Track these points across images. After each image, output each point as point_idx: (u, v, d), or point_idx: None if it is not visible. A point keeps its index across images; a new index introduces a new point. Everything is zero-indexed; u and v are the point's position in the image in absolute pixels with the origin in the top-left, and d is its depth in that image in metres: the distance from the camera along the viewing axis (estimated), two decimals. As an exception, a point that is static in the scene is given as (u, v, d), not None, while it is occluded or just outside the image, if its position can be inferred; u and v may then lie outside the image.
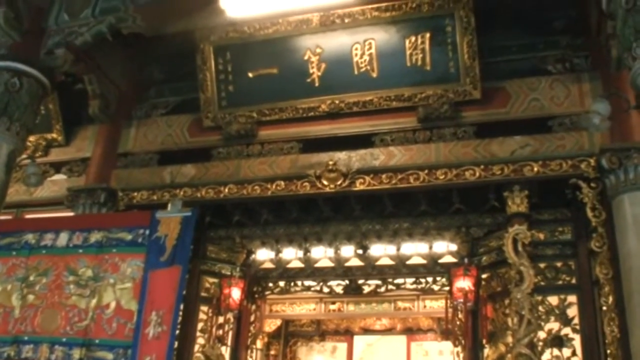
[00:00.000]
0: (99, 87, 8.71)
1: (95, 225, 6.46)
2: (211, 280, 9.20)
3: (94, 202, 8.40)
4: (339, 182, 7.83)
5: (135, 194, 8.59)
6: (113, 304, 5.95)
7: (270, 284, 10.25)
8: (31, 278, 6.33)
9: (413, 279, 9.84)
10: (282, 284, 10.23)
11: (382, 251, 9.26)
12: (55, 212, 8.59)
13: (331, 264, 9.61)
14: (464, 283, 8.08)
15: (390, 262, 9.37)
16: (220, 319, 9.10)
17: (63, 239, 6.43)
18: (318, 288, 10.32)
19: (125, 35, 7.74)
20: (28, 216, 8.81)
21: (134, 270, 5.98)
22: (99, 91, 8.74)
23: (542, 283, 7.50)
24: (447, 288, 8.84)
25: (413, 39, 7.86)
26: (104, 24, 7.39)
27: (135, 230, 6.15)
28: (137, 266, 5.97)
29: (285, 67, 8.30)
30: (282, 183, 8.08)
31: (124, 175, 8.85)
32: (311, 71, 8.21)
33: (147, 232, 6.07)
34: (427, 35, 7.81)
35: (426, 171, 7.62)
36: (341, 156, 8.00)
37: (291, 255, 9.62)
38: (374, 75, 8.06)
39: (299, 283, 10.23)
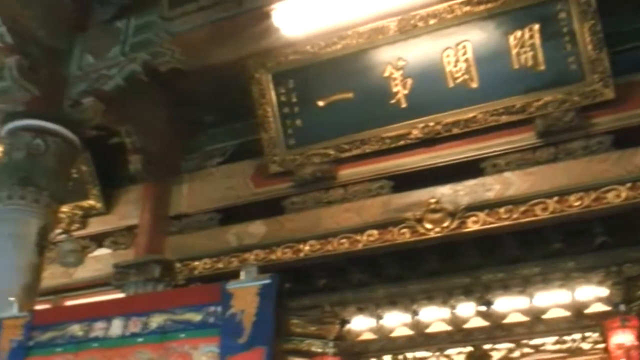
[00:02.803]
0: (138, 140, 8.74)
1: (154, 307, 6.40)
2: (298, 361, 9.22)
3: (148, 278, 8.43)
4: (445, 224, 7.64)
5: (197, 263, 8.61)
6: None
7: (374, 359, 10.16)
8: (82, 379, 6.40)
9: (555, 338, 9.67)
10: (387, 358, 10.21)
11: (510, 306, 9.15)
12: (101, 294, 8.64)
13: (447, 328, 9.56)
14: (623, 337, 8.02)
15: (523, 319, 9.27)
16: (313, 408, 9.17)
17: (117, 327, 6.33)
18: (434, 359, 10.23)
19: (162, 74, 7.71)
20: (69, 303, 8.85)
21: (209, 358, 6.03)
22: (140, 144, 8.76)
23: None
24: (601, 345, 8.77)
25: (518, 34, 7.71)
26: (137, 62, 7.42)
27: (205, 309, 6.14)
28: (213, 353, 6.01)
29: (362, 89, 8.27)
30: (375, 232, 7.93)
31: (180, 242, 8.90)
32: (395, 90, 8.15)
33: (219, 309, 6.14)
34: (536, 27, 7.65)
35: (555, 198, 7.34)
36: (444, 191, 7.83)
37: (395, 321, 9.60)
38: (474, 85, 7.95)
39: (409, 355, 10.19)
